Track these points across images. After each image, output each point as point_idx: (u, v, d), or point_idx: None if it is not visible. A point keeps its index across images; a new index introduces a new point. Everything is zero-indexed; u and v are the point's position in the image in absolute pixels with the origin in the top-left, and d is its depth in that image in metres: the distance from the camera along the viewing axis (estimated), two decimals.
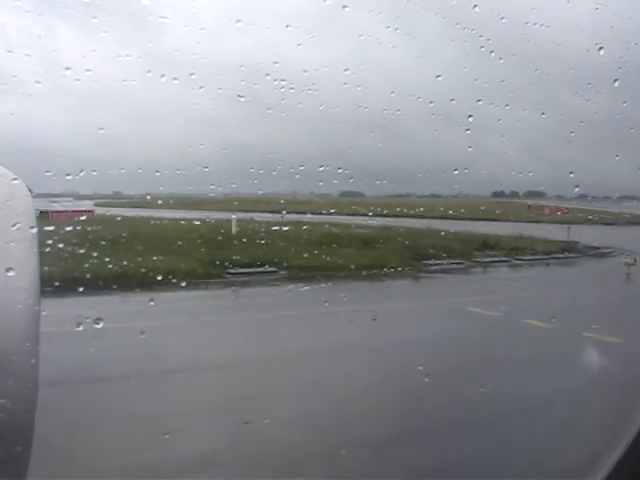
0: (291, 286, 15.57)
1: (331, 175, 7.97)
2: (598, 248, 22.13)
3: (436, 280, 15.90)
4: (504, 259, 19.68)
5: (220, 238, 18.39)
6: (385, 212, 22.16)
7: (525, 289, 15.63)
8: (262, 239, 19.54)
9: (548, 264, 20.29)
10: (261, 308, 13.07)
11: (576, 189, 9.15)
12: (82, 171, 5.95)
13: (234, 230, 19.71)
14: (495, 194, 36.93)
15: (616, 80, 6.44)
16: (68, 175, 5.92)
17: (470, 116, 7.39)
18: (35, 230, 1.02)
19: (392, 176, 12.13)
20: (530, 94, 12.02)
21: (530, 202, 37.73)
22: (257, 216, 22.48)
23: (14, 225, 0.97)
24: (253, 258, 16.68)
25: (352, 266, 17.06)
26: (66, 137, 18.86)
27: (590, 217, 28.78)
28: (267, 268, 16.28)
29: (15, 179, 1.05)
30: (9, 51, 6.85)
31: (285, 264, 16.94)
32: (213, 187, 8.54)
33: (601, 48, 6.52)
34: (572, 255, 21.10)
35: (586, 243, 22.57)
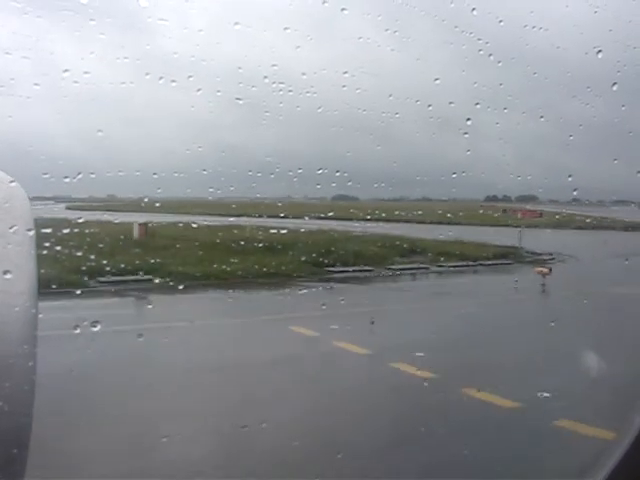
0: (154, 296, 14.43)
1: (329, 178, 8.02)
2: (539, 254, 20.28)
3: (317, 291, 14.37)
4: (423, 266, 18.00)
5: (116, 243, 17.49)
6: (344, 215, 20.97)
7: (402, 302, 13.92)
8: (165, 245, 18.56)
9: (475, 271, 18.61)
10: (98, 321, 11.96)
11: (574, 192, 8.78)
12: (80, 173, 6.01)
13: (135, 235, 18.77)
14: (488, 198, 35.77)
15: (615, 83, 6.41)
16: (66, 177, 5.95)
17: (468, 119, 7.32)
18: (33, 233, 1.00)
19: (390, 179, 12.11)
20: (528, 97, 12.29)
21: (508, 206, 36.55)
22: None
23: (11, 228, 0.97)
24: (135, 265, 15.59)
25: (240, 274, 15.90)
26: (64, 139, 19.18)
27: (556, 220, 27.08)
28: (141, 276, 15.14)
29: (12, 182, 1.05)
30: (7, 53, 7.13)
31: (166, 272, 15.84)
32: (212, 190, 8.45)
33: (600, 51, 6.47)
34: (503, 262, 19.28)
35: (530, 249, 20.77)
